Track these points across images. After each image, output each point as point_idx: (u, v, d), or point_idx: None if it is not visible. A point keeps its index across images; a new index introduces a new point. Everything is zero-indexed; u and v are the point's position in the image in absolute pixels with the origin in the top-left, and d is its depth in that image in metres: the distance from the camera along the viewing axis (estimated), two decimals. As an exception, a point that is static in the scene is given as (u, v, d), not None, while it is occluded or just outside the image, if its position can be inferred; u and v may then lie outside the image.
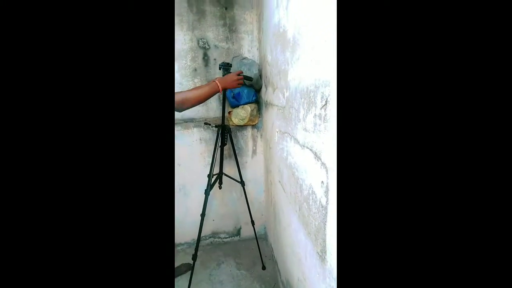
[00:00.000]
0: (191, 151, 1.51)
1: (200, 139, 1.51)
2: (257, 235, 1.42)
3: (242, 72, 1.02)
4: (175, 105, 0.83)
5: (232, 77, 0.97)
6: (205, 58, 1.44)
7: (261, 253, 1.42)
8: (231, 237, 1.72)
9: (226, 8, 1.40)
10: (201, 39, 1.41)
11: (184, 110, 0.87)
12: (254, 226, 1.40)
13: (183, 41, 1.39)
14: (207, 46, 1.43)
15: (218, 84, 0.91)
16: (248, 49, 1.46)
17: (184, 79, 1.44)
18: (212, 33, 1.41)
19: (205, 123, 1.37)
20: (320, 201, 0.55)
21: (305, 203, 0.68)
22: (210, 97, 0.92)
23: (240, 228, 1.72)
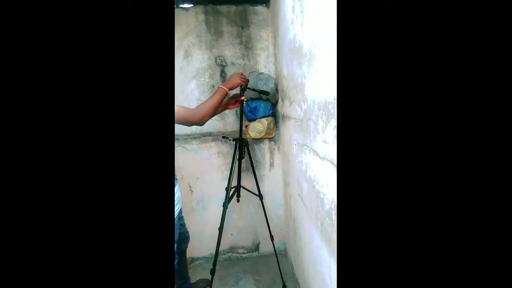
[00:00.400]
0: (209, 165, 1.53)
1: (218, 153, 1.53)
2: (276, 251, 1.38)
3: (243, 74, 1.07)
4: (196, 120, 0.92)
5: (233, 77, 1.03)
6: (222, 75, 1.50)
7: (281, 271, 1.36)
8: (250, 252, 1.68)
9: (242, 28, 1.46)
10: (218, 57, 1.48)
11: (206, 122, 0.97)
12: (273, 241, 1.36)
13: (201, 59, 1.47)
14: (224, 64, 1.49)
15: (223, 87, 0.99)
16: (264, 64, 1.50)
17: (203, 95, 1.50)
18: (229, 51, 1.48)
19: (223, 137, 1.40)
20: (344, 216, 0.53)
21: (327, 218, 0.65)
22: (222, 102, 1.00)
23: (259, 244, 1.67)
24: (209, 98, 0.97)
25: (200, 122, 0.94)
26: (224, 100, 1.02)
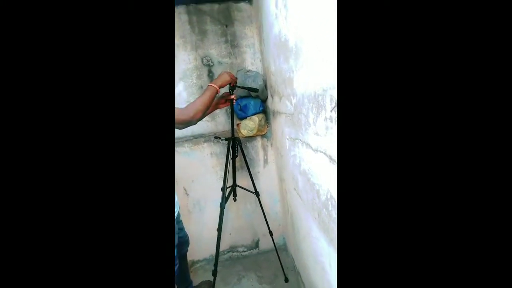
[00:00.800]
0: (203, 166, 1.52)
1: (211, 154, 1.52)
2: (276, 246, 1.39)
3: (233, 74, 1.07)
4: (188, 118, 0.88)
5: (223, 74, 1.03)
6: (210, 75, 1.49)
7: (282, 265, 1.38)
8: (250, 250, 1.69)
9: (226, 26, 1.45)
10: (204, 57, 1.46)
11: (198, 121, 0.94)
12: (273, 237, 1.37)
13: (187, 60, 1.45)
14: (211, 63, 1.48)
15: (213, 85, 0.97)
16: (251, 61, 1.50)
17: (191, 97, 1.48)
18: (215, 50, 1.46)
19: (215, 137, 1.39)
20: (340, 205, 0.54)
21: (324, 209, 0.66)
22: (213, 100, 0.98)
23: (258, 240, 1.68)
24: (199, 97, 0.95)
25: (192, 120, 0.90)
26: (214, 99, 1.01)
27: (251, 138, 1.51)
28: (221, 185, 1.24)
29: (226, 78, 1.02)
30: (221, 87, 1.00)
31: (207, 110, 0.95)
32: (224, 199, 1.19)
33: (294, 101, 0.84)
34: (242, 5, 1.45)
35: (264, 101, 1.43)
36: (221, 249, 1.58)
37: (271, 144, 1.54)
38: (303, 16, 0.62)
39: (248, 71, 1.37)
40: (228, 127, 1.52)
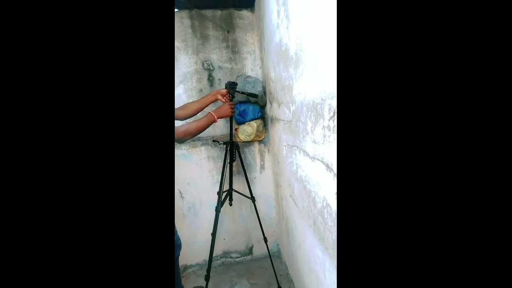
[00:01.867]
0: (199, 169, 1.52)
1: (208, 157, 1.52)
2: (270, 253, 1.38)
3: (234, 104, 1.13)
4: (178, 137, 0.94)
5: (224, 106, 1.09)
6: (210, 79, 1.50)
7: (276, 272, 1.37)
8: (243, 256, 1.67)
9: (228, 32, 1.47)
10: (205, 61, 1.48)
11: (185, 141, 1.01)
12: (267, 243, 1.36)
13: (188, 64, 1.46)
14: (211, 68, 1.49)
15: (214, 115, 1.04)
16: (251, 68, 1.52)
17: (191, 100, 1.49)
18: (216, 55, 1.48)
19: (214, 140, 1.39)
20: (336, 213, 0.54)
21: (319, 217, 0.66)
22: (208, 127, 1.04)
23: (252, 247, 1.67)
24: (197, 120, 1.00)
25: (179, 141, 0.96)
26: (212, 94, 1.12)
27: (248, 143, 1.51)
28: (217, 189, 1.23)
29: (227, 113, 1.08)
30: (219, 118, 1.06)
31: (198, 134, 1.01)
32: (220, 203, 1.19)
33: (292, 108, 0.85)
34: (244, 12, 1.47)
35: (262, 107, 1.45)
36: (214, 254, 1.56)
37: (268, 150, 1.55)
38: (304, 27, 0.63)
39: (248, 76, 1.38)
40: (226, 131, 1.52)
